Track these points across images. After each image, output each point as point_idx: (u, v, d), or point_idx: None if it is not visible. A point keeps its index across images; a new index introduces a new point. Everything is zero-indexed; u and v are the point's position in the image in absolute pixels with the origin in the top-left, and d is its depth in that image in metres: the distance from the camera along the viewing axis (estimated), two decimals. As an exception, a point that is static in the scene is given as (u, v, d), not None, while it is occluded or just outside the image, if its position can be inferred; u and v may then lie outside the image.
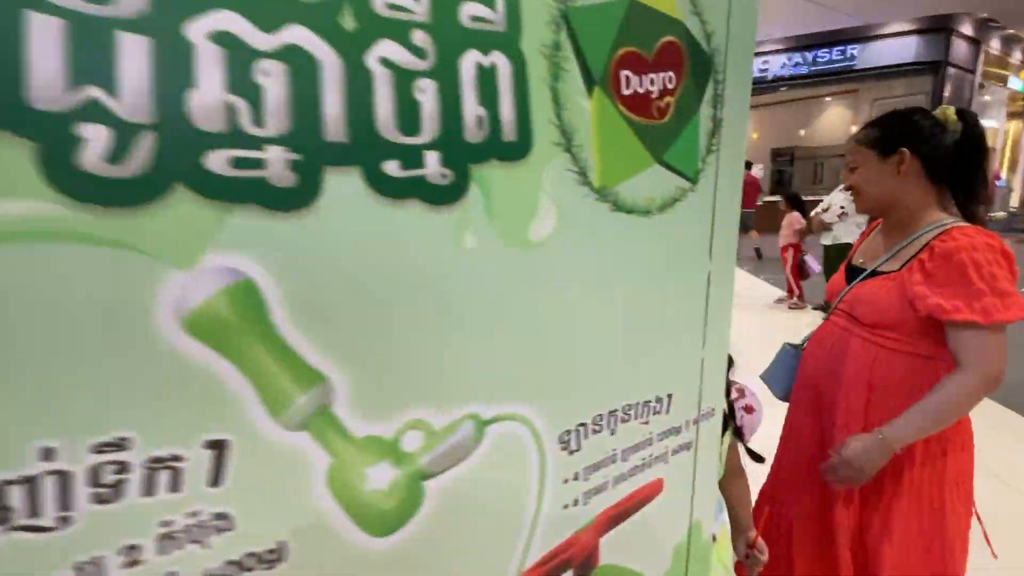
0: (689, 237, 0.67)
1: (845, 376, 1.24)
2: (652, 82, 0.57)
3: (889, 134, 1.24)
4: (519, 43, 0.47)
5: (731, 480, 1.12)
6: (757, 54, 10.23)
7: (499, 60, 0.46)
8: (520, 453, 0.55)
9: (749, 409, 1.81)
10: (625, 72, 0.55)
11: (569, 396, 0.58)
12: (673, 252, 0.65)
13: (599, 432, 0.62)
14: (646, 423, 0.68)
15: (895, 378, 1.17)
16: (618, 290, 0.60)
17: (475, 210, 0.47)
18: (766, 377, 1.57)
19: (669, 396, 0.70)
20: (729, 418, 1.08)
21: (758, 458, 1.11)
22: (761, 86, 10.76)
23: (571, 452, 0.60)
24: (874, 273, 1.26)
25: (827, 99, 12.03)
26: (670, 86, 0.59)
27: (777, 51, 10.19)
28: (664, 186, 0.62)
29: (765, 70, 10.39)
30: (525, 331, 0.53)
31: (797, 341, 1.48)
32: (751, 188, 7.60)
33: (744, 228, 7.49)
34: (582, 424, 0.60)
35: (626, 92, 0.55)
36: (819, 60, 9.97)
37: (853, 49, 9.66)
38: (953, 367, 1.12)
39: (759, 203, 7.91)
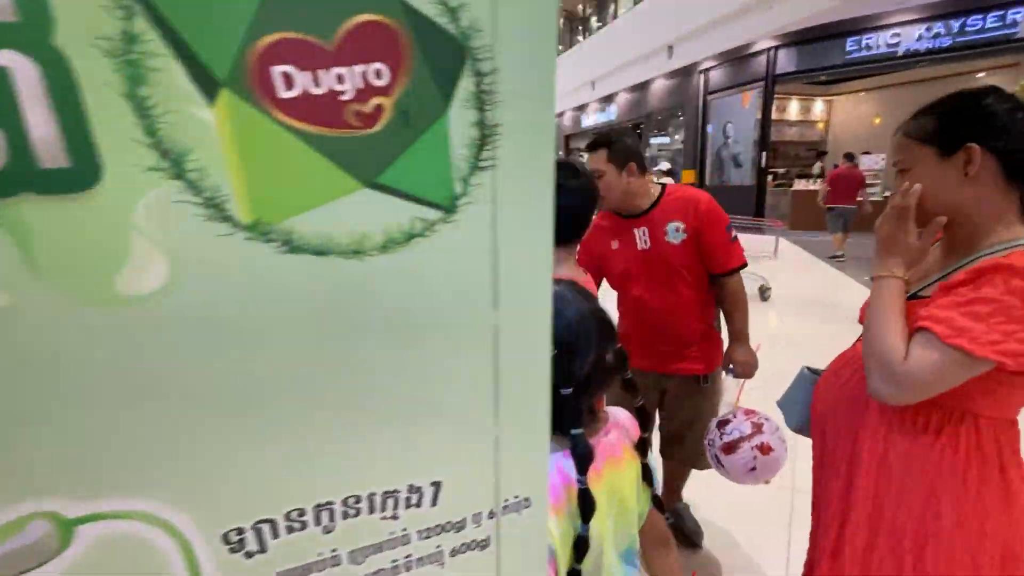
0: (450, 283, 0.50)
1: (860, 418, 0.99)
2: (340, 79, 0.42)
3: (951, 125, 0.92)
4: (50, 38, 0.34)
5: (653, 553, 0.92)
6: (884, 27, 8.90)
7: (13, 62, 0.34)
8: (147, 558, 0.44)
9: (765, 449, 1.51)
10: (281, 68, 0.40)
11: (231, 487, 0.45)
12: (419, 303, 0.49)
13: (301, 529, 0.49)
14: (394, 518, 0.53)
15: (919, 429, 0.91)
16: (316, 353, 0.46)
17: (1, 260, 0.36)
18: (781, 404, 1.33)
19: (435, 485, 0.54)
20: (646, 482, 0.88)
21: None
22: (890, 63, 9.28)
23: (249, 554, 0.47)
24: (915, 297, 0.97)
25: (979, 75, 10.16)
26: (379, 83, 0.43)
27: (912, 21, 8.70)
28: (386, 217, 0.46)
29: (895, 44, 8.92)
30: (131, 405, 0.41)
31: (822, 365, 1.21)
32: (854, 183, 6.54)
33: (844, 228, 6.50)
34: (266, 520, 0.47)
35: (287, 95, 0.41)
36: (968, 29, 8.34)
37: (1015, 14, 7.97)
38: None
39: (865, 199, 6.73)
